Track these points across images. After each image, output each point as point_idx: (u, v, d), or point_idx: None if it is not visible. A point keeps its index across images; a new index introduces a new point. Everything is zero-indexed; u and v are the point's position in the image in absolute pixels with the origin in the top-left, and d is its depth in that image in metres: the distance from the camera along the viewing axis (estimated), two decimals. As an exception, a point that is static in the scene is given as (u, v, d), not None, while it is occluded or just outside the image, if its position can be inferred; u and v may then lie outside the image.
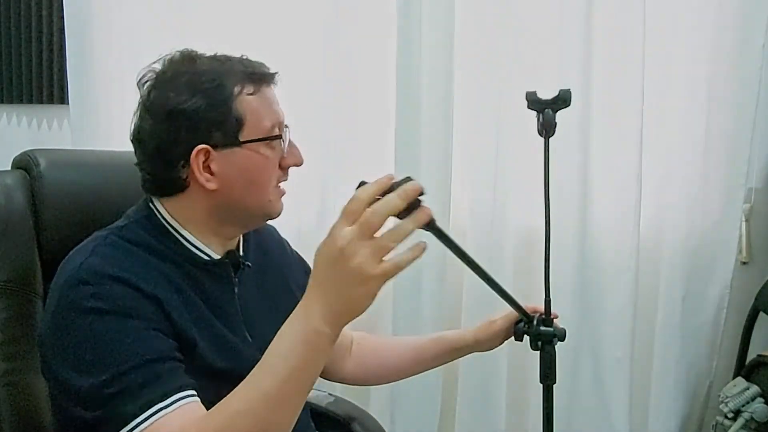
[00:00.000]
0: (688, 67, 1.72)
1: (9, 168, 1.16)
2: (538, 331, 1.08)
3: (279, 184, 1.02)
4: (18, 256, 1.09)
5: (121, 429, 0.82)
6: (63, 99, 2.22)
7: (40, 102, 2.30)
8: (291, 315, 0.79)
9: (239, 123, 0.95)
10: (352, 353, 1.31)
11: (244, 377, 0.83)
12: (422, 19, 1.77)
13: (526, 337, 1.12)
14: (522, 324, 1.13)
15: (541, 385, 1.08)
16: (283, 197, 1.03)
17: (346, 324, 0.78)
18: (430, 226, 0.72)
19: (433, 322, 1.84)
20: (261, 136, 0.96)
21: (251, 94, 0.96)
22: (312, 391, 1.41)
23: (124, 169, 1.23)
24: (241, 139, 0.95)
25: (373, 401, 1.93)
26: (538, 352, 1.08)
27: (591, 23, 1.71)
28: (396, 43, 1.79)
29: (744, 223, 1.77)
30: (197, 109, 0.93)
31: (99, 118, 2.04)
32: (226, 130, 0.94)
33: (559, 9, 1.72)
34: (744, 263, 1.80)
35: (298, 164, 1.02)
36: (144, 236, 0.97)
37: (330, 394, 1.43)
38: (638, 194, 1.71)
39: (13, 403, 1.05)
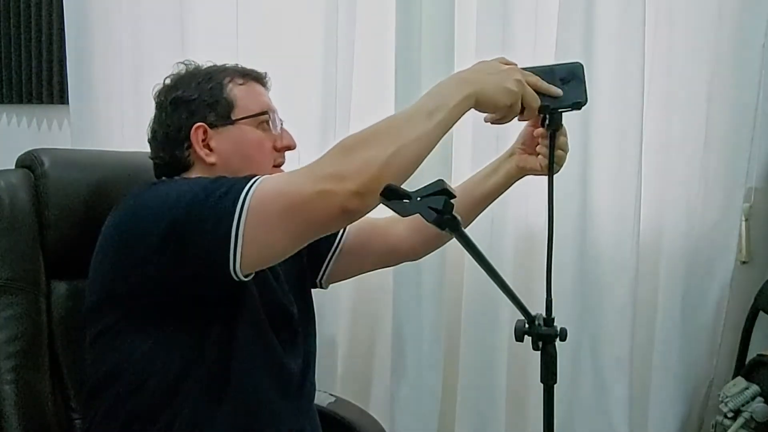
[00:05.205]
0: (688, 67, 1.72)
1: (9, 168, 1.16)
2: (540, 331, 1.08)
3: (278, 166, 1.14)
4: (22, 254, 1.10)
5: (240, 194, 0.89)
6: (63, 99, 2.22)
7: (40, 102, 2.29)
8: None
9: (230, 105, 1.11)
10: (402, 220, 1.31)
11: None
12: (422, 17, 1.77)
13: (527, 338, 1.12)
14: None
15: (541, 385, 1.08)
16: None
17: (471, 94, 0.95)
18: (456, 230, 0.72)
19: (433, 322, 1.84)
20: (251, 114, 1.11)
21: (241, 84, 1.13)
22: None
23: (127, 168, 1.25)
24: (233, 118, 1.10)
25: (373, 401, 1.93)
26: (539, 351, 1.09)
27: (591, 23, 1.71)
28: (395, 41, 1.79)
29: (744, 223, 1.77)
30: (193, 95, 1.10)
31: (99, 118, 2.03)
32: (219, 111, 1.10)
33: (559, 7, 1.72)
34: (744, 263, 1.80)
35: (291, 147, 1.16)
36: None
37: (331, 395, 1.44)
38: (638, 194, 1.72)
39: (17, 400, 1.06)
